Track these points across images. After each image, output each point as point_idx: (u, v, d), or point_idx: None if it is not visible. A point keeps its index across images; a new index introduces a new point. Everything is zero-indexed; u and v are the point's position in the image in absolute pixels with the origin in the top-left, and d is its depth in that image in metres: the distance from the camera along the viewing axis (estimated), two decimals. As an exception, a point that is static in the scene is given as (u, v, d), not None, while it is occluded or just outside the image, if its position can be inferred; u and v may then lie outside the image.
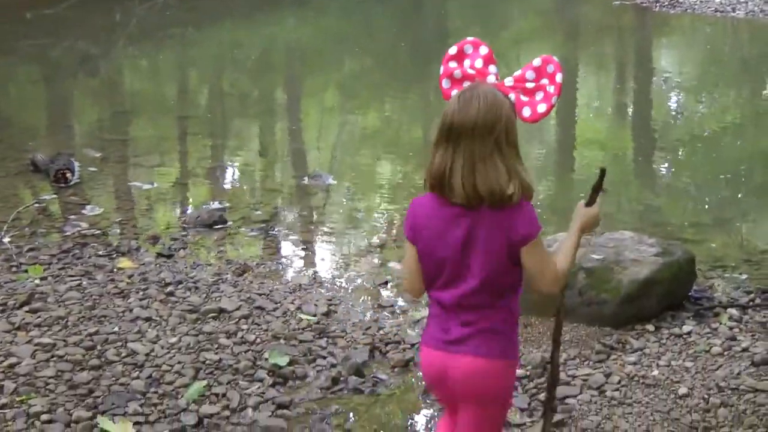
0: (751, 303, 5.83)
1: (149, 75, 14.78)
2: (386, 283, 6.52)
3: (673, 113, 11.32)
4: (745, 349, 5.14)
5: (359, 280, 6.64)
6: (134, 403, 4.64)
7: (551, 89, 3.28)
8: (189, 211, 8.06)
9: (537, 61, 3.31)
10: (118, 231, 7.55)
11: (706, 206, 8.05)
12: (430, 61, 14.70)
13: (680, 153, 9.60)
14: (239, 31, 17.02)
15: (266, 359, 5.13)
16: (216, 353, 5.18)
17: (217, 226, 7.55)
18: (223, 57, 15.30)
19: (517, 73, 3.32)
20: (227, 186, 9.10)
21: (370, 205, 8.52)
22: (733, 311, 5.66)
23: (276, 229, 7.62)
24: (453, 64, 3.37)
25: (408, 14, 18.18)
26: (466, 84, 3.25)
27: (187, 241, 7.26)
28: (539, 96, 3.28)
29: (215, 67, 14.80)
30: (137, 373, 4.93)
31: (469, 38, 3.41)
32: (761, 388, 4.63)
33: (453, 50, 3.38)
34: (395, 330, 5.65)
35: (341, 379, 5.02)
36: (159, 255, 6.89)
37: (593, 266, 5.63)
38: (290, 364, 5.11)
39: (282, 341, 5.38)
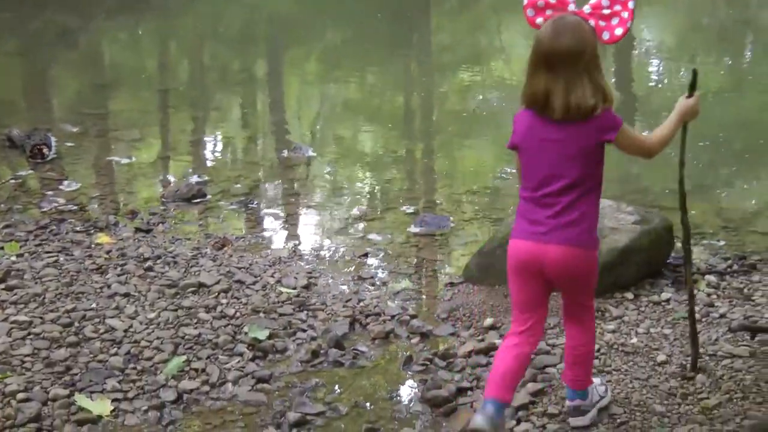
0: (728, 269, 5.84)
1: (129, 48, 14.69)
2: (366, 254, 6.51)
3: (654, 81, 11.31)
4: (722, 315, 5.15)
5: (339, 253, 6.63)
6: (112, 379, 4.62)
7: (625, 15, 3.79)
8: (168, 186, 8.01)
9: None
10: (96, 206, 7.52)
11: (686, 173, 8.03)
12: (412, 29, 14.69)
13: (660, 120, 9.56)
14: (220, 2, 16.89)
15: (246, 333, 5.11)
16: (195, 328, 5.16)
17: (196, 200, 7.53)
18: (204, 29, 15.21)
19: (593, 1, 3.80)
20: (207, 159, 9.07)
21: (351, 177, 8.51)
22: (711, 278, 5.67)
23: (255, 203, 7.60)
24: None
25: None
26: (549, 12, 3.81)
27: (166, 216, 7.24)
28: (615, 21, 3.79)
29: (196, 39, 14.73)
30: (115, 349, 4.91)
31: None
32: (738, 354, 4.65)
33: None
34: (375, 302, 5.65)
35: (321, 352, 5.01)
36: (137, 230, 6.85)
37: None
38: (270, 337, 5.10)
39: (261, 315, 5.36)
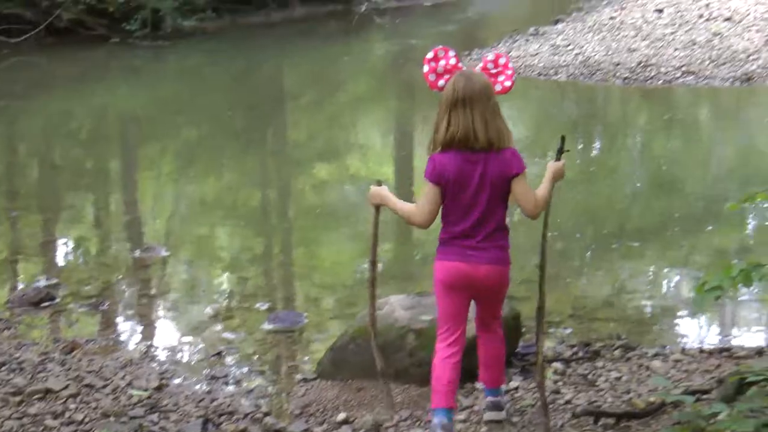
0: (574, 356, 6.01)
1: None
2: (220, 353, 6.48)
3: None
4: (567, 402, 5.28)
5: (193, 352, 6.59)
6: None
7: (509, 72, 4.72)
8: (15, 291, 7.84)
9: (491, 56, 4.76)
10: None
11: (535, 263, 8.25)
12: (267, 125, 14.79)
13: (514, 212, 9.83)
14: (71, 101, 16.70)
15: (95, 438, 5.02)
16: (42, 436, 5.04)
17: (44, 304, 7.38)
18: (54, 128, 14.98)
19: (480, 65, 4.72)
20: (57, 262, 8.92)
21: (205, 275, 8.48)
22: (558, 365, 5.83)
23: (107, 304, 7.49)
24: (433, 63, 4.66)
25: (242, 78, 18.20)
26: (447, 76, 4.60)
27: (12, 321, 7.07)
28: (501, 77, 4.70)
29: (45, 139, 14.51)
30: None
31: (439, 46, 4.72)
32: (582, 439, 4.78)
33: (430, 54, 4.68)
34: (229, 401, 5.62)
35: (172, 454, 4.95)
36: (-18, 337, 6.68)
37: (423, 327, 5.70)
38: (119, 442, 5.02)
39: (112, 419, 5.27)
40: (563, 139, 4.84)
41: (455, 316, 4.67)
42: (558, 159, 4.78)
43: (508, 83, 4.71)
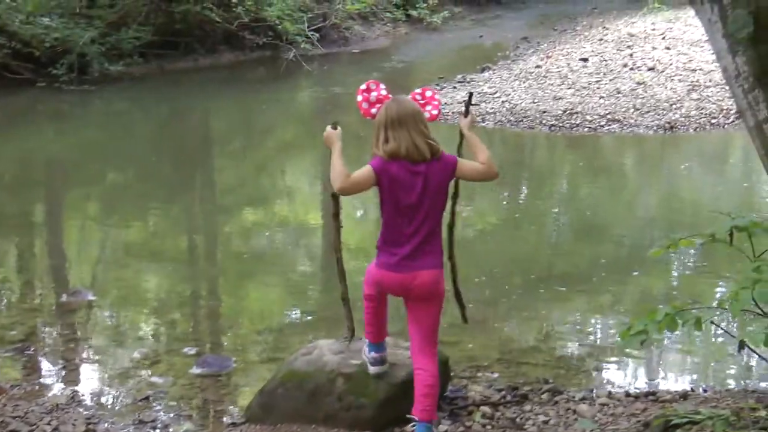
0: (502, 400, 6.07)
1: None
2: (148, 397, 6.42)
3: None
4: (497, 446, 5.34)
5: (120, 397, 6.53)
6: None
7: (435, 103, 5.32)
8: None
9: (418, 90, 5.36)
10: None
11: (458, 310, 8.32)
12: (195, 170, 14.73)
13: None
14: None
15: (19, 485, 4.95)
16: (-36, 482, 4.95)
17: (-33, 350, 7.26)
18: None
19: (408, 96, 5.23)
20: (-19, 307, 8.77)
21: (132, 319, 8.41)
22: (486, 409, 5.87)
23: (32, 349, 7.39)
24: (366, 94, 5.26)
25: (169, 124, 18.14)
26: (378, 105, 5.16)
27: (-67, 370, 6.94)
28: (429, 107, 5.27)
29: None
30: None
31: (372, 80, 5.36)
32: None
33: (363, 86, 5.29)
34: (156, 446, 5.57)
35: (99, 500, 4.89)
36: None
37: (351, 371, 5.72)
38: (44, 488, 4.95)
39: (37, 465, 5.20)
40: (470, 95, 5.69)
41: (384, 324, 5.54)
42: (466, 113, 5.46)
43: (434, 111, 5.29)
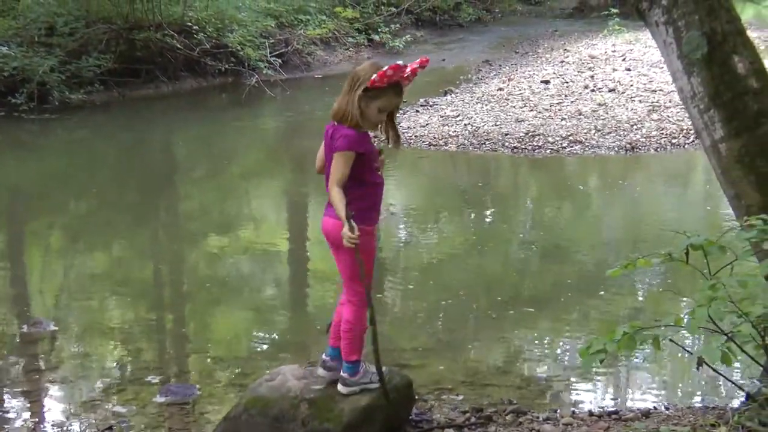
0: (466, 422, 6.07)
1: None
2: (111, 427, 6.38)
3: (401, 244, 11.69)
4: (461, 468, 5.33)
5: (83, 427, 6.49)
6: None
7: (415, 66, 5.40)
8: None
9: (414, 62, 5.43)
10: None
11: (430, 331, 8.36)
12: (158, 197, 14.66)
13: (409, 281, 9.93)
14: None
15: None
16: None
17: (-73, 382, 7.18)
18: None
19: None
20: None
21: (96, 349, 8.34)
22: (450, 431, 5.87)
23: (-8, 381, 7.33)
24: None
25: (131, 151, 18.02)
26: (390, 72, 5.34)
27: None
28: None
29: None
30: None
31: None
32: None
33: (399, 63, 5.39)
34: (119, 477, 5.52)
35: None
36: None
37: (315, 396, 5.71)
38: None
39: (-3, 498, 5.15)
40: (353, 214, 5.32)
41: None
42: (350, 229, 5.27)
43: (416, 65, 5.39)
